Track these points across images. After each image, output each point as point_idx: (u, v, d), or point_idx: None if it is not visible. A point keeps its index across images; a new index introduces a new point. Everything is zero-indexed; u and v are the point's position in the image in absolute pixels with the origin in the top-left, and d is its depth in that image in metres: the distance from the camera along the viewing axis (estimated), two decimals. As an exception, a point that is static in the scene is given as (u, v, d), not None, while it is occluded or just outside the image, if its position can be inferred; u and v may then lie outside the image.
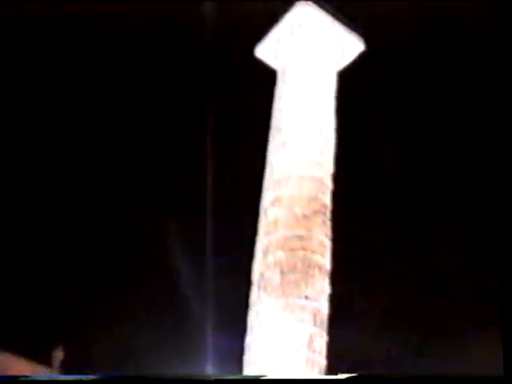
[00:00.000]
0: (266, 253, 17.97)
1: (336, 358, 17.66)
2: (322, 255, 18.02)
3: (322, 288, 17.67)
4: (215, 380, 8.98)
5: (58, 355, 33.94)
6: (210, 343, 24.60)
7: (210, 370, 23.16)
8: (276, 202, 18.69)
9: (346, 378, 8.44)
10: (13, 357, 31.14)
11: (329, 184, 19.36)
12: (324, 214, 18.75)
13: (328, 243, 18.44)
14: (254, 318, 17.18)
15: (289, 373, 15.53)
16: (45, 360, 32.69)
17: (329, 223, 18.80)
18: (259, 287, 17.53)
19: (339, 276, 18.46)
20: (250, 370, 16.45)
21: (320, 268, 17.77)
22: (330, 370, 17.00)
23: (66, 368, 33.00)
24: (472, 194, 30.57)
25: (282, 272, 17.38)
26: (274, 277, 17.37)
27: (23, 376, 9.60)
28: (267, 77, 22.52)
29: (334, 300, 17.89)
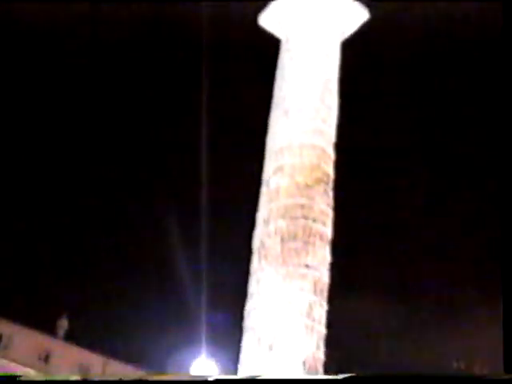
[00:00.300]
0: (266, 221, 17.85)
1: (336, 327, 17.67)
2: (324, 224, 17.87)
3: (323, 257, 17.55)
4: (215, 380, 8.97)
5: (63, 324, 34.22)
6: (207, 314, 24.66)
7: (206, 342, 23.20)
8: (278, 170, 18.51)
9: (345, 378, 8.39)
10: (16, 326, 31.38)
11: (331, 153, 19.15)
12: (326, 183, 18.57)
13: (330, 212, 18.27)
14: (254, 286, 17.13)
15: (287, 373, 15.37)
16: (49, 329, 32.99)
17: (331, 192, 18.62)
18: (260, 255, 17.44)
19: (341, 245, 18.38)
20: (248, 336, 16.47)
21: (321, 236, 17.63)
22: (330, 338, 17.01)
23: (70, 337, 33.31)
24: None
25: (282, 240, 17.26)
26: (275, 245, 17.27)
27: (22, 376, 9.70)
28: (270, 48, 22.22)
29: (335, 269, 17.81)
